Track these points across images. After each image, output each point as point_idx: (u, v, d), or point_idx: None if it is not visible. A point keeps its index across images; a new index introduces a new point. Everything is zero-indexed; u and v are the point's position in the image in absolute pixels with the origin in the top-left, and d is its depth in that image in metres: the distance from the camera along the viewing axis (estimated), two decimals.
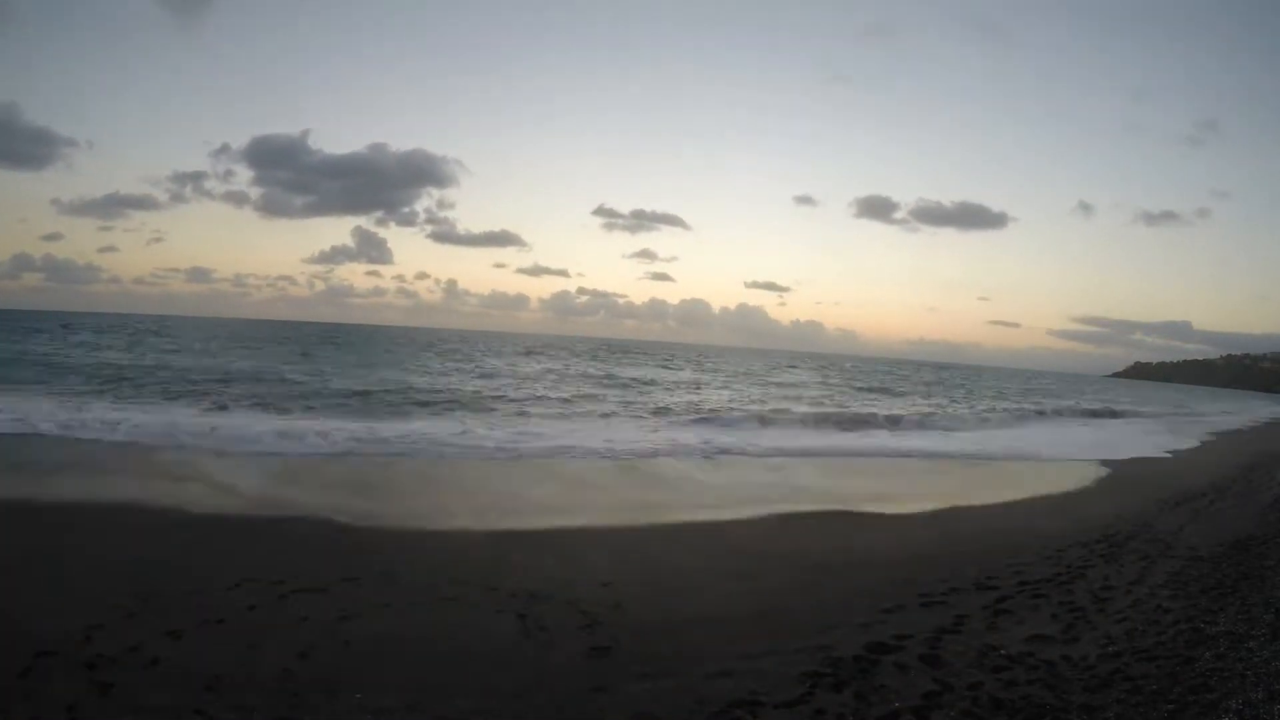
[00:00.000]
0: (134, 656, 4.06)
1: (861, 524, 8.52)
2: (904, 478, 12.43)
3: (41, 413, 12.42)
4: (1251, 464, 15.54)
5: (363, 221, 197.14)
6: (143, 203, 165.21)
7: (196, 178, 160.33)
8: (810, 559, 6.77)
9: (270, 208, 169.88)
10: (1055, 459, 15.52)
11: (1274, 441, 23.79)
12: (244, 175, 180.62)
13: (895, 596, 5.56)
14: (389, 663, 4.22)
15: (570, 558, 6.50)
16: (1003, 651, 4.52)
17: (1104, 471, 13.77)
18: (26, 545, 5.97)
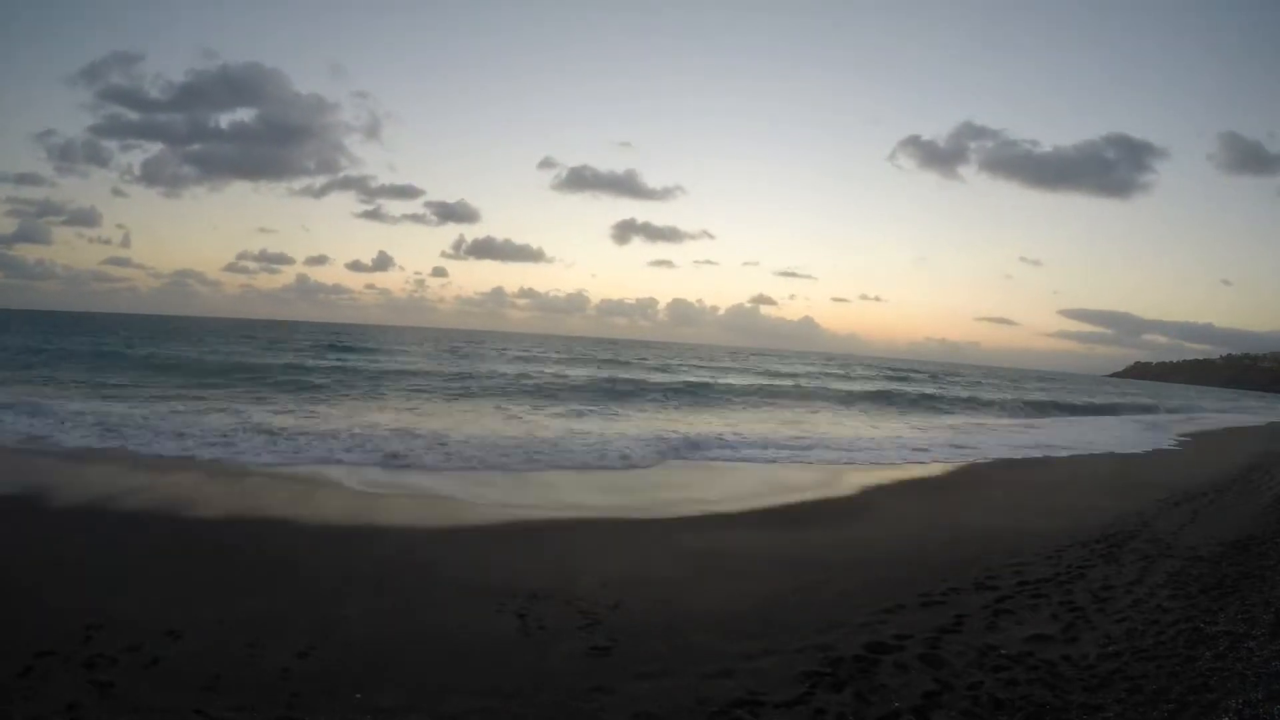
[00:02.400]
0: (134, 656, 4.06)
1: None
2: None
3: None
4: (1251, 464, 15.54)
5: (274, 191, 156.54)
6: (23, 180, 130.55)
7: (47, 136, 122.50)
8: (810, 558, 6.77)
9: (161, 176, 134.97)
10: None
11: (1274, 441, 23.80)
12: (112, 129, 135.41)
13: (895, 596, 5.55)
14: (389, 663, 4.22)
15: (570, 557, 6.51)
16: (1003, 651, 4.52)
17: None
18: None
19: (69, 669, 3.86)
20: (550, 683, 4.05)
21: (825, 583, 6.01)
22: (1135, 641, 4.67)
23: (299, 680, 3.92)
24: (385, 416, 15.75)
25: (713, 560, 6.67)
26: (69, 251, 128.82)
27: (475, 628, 4.82)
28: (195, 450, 10.69)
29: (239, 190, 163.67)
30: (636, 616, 5.09)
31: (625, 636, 4.72)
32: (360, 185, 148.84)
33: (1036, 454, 16.34)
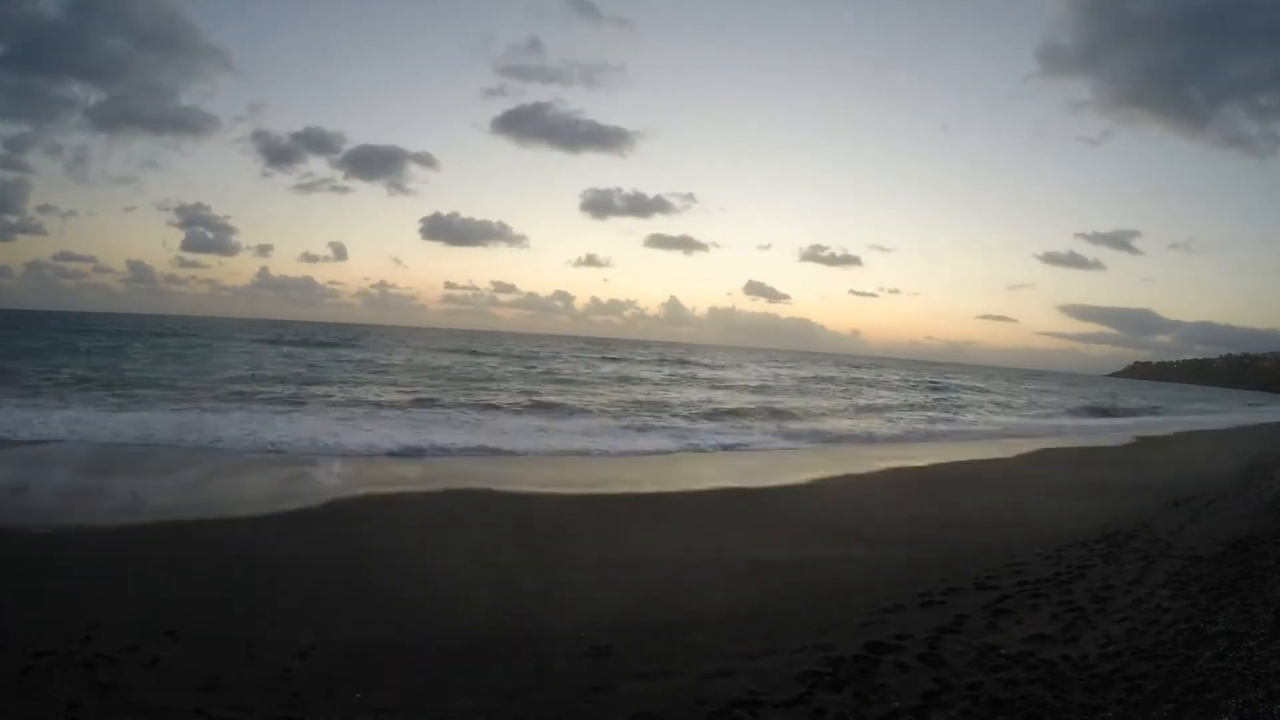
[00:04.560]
0: (134, 656, 4.06)
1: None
2: None
3: None
4: (1251, 464, 15.55)
5: (157, 148, 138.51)
6: None
7: None
8: (810, 558, 6.77)
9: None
10: None
11: (1274, 441, 23.80)
12: None
13: (895, 596, 5.56)
14: (389, 663, 4.22)
15: (570, 556, 6.51)
16: (1003, 651, 4.52)
17: None
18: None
19: (69, 669, 3.86)
20: (550, 683, 4.05)
21: (825, 583, 6.01)
22: (1135, 641, 4.67)
23: (299, 680, 3.92)
24: None
25: (713, 560, 6.67)
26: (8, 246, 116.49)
27: (475, 628, 4.82)
28: None
29: (127, 150, 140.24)
30: (637, 617, 5.09)
31: (625, 636, 4.72)
32: (267, 138, 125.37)
33: None
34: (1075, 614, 5.25)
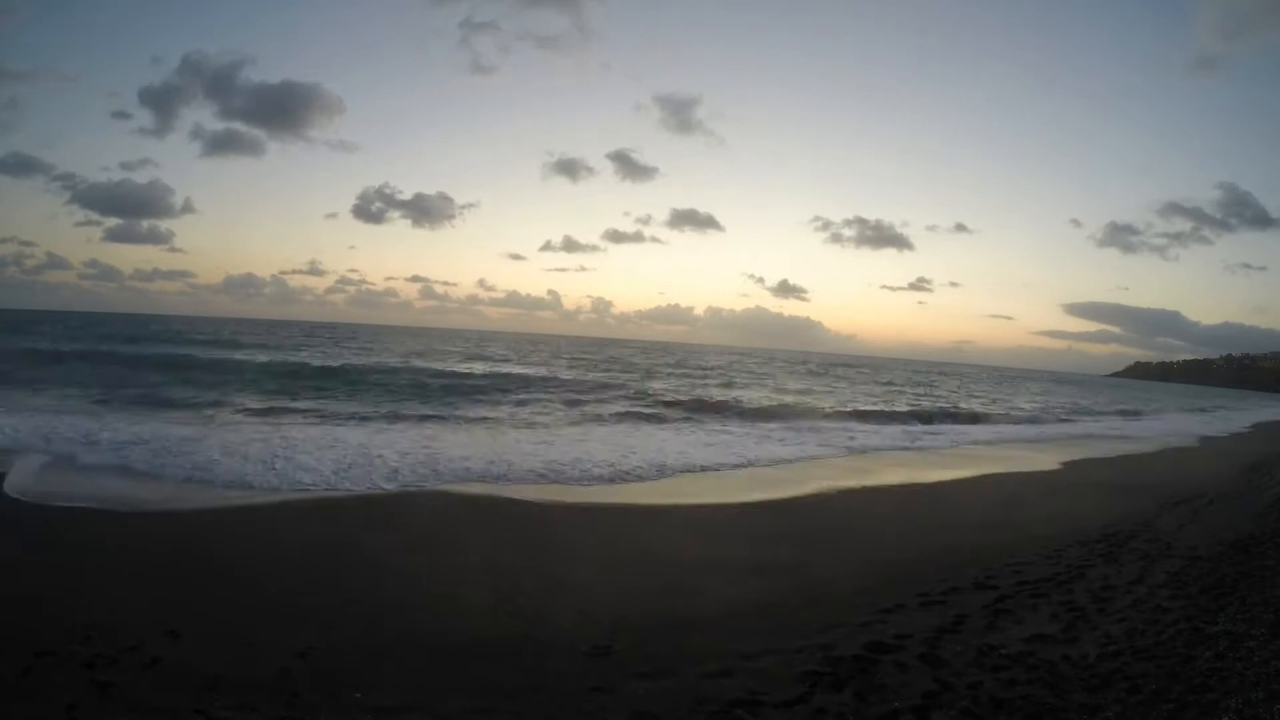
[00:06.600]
0: (134, 656, 4.06)
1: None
2: None
3: None
4: (1251, 464, 15.55)
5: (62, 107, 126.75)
6: None
7: None
8: (809, 559, 6.77)
9: None
10: None
11: (1274, 441, 23.79)
12: None
13: (895, 596, 5.56)
14: (389, 663, 4.22)
15: (570, 556, 6.51)
16: (1003, 651, 4.52)
17: None
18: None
19: (69, 669, 3.86)
20: (550, 683, 4.05)
21: (825, 583, 6.01)
22: (1135, 641, 4.67)
23: (299, 680, 3.92)
24: None
25: (712, 560, 6.67)
26: None
27: (475, 627, 4.82)
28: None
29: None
30: (636, 616, 5.09)
31: (625, 636, 4.72)
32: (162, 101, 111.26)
33: None
34: (1075, 614, 5.25)
